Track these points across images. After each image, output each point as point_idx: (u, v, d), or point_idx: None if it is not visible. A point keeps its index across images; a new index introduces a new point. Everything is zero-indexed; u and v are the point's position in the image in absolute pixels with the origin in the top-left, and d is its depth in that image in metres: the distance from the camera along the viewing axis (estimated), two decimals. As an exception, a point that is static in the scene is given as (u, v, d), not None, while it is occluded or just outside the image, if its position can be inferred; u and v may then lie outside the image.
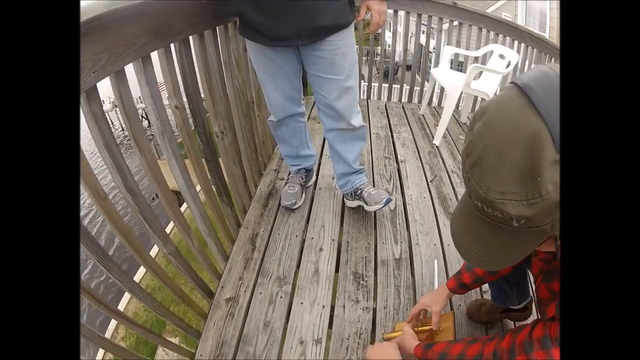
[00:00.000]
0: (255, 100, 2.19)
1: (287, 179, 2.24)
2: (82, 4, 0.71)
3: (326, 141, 2.03)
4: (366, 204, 1.97)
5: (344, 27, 1.56)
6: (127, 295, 8.90)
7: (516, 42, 4.03)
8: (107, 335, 8.84)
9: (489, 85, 3.17)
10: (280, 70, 1.65)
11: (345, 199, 2.16)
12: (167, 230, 8.31)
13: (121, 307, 9.05)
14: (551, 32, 8.15)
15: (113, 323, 9.17)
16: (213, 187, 1.66)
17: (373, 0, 1.60)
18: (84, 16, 0.79)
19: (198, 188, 1.50)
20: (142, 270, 8.47)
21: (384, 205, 1.92)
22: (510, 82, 0.60)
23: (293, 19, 1.45)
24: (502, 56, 3.45)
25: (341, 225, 2.04)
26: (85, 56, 0.83)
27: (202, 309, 1.58)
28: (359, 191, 2.01)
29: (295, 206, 2.08)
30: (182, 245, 1.52)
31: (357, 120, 1.81)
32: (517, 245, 0.66)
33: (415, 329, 1.36)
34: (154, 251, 7.20)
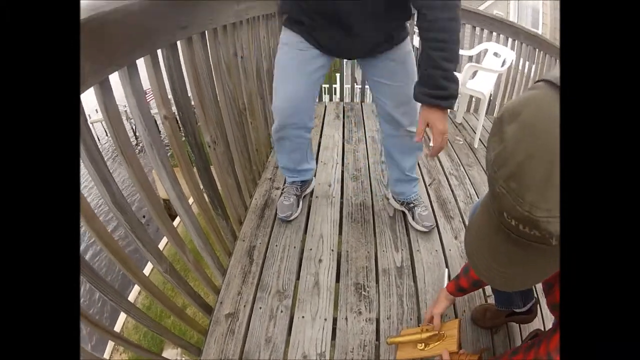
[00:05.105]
0: (247, 106, 2.15)
1: (283, 189, 2.18)
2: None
3: (383, 147, 2.06)
4: (412, 219, 2.01)
5: (400, 42, 1.58)
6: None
7: (510, 40, 4.01)
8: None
9: (484, 85, 3.21)
10: (309, 65, 1.65)
11: (391, 200, 2.16)
12: (162, 245, 8.22)
13: (120, 320, 8.94)
14: (544, 28, 8.20)
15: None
16: (206, 198, 1.60)
17: (435, 113, 1.37)
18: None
19: (191, 200, 1.45)
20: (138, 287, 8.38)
21: (427, 231, 1.98)
22: (539, 81, 0.53)
23: (349, 46, 1.56)
24: (496, 54, 3.47)
25: (340, 233, 2.00)
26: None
27: (201, 325, 1.53)
28: (411, 205, 2.04)
29: (291, 218, 2.03)
30: (177, 259, 1.46)
31: (415, 128, 1.78)
32: (546, 264, 0.60)
33: (421, 334, 1.34)
34: (148, 268, 7.11)
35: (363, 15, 1.43)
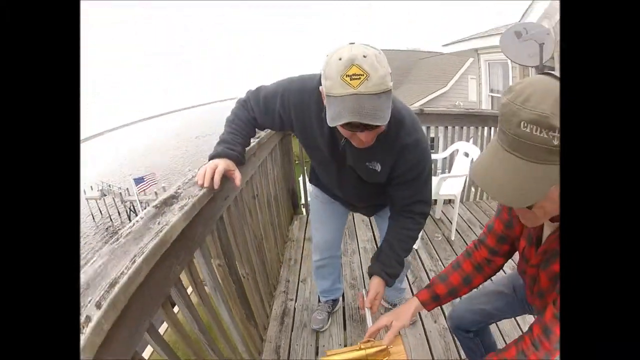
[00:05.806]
0: (263, 234, 2.75)
1: (318, 306, 2.69)
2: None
3: None
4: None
5: None
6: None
7: (480, 128, 4.40)
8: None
9: (454, 187, 3.64)
10: (336, 213, 2.24)
11: (382, 301, 2.63)
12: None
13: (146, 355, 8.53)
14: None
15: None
16: (245, 317, 2.17)
17: (382, 286, 1.69)
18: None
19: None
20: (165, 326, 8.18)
21: (411, 324, 2.47)
22: (540, 73, 0.80)
23: (359, 212, 2.23)
24: (466, 154, 3.73)
25: (344, 330, 2.56)
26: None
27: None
28: (397, 305, 2.61)
29: (322, 330, 2.54)
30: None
31: None
32: (549, 174, 0.77)
33: (365, 351, 1.31)
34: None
35: (361, 202, 2.05)
